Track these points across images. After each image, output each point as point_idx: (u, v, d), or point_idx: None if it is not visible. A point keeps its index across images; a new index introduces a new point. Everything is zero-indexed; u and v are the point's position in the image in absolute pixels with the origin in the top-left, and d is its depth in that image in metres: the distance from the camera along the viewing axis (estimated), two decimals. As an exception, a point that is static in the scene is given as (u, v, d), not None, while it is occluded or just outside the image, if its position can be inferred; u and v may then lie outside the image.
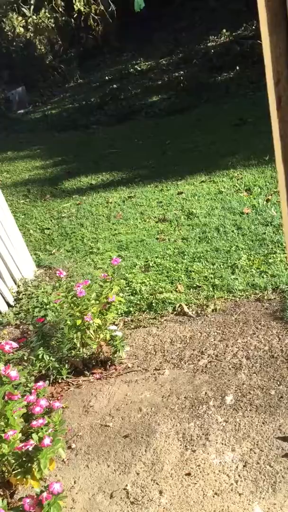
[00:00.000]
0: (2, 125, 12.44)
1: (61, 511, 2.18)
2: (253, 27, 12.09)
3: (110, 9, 14.28)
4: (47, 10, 13.64)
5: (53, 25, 14.26)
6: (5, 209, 4.66)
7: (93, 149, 8.75)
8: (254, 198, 5.18)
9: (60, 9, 13.50)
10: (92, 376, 3.37)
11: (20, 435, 2.44)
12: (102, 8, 13.47)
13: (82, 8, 12.95)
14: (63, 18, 13.92)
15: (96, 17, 13.61)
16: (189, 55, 12.57)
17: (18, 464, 2.36)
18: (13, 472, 2.37)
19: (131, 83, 12.50)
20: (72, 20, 13.94)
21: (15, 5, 13.52)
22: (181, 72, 11.65)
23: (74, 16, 13.46)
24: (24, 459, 2.35)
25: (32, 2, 13.14)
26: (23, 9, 13.49)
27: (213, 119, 8.37)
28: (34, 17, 13.78)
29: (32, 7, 13.43)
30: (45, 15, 13.73)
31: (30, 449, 2.32)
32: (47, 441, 2.29)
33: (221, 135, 7.43)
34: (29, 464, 2.34)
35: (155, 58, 13.81)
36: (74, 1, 13.19)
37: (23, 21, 13.82)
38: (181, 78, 11.20)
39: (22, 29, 13.83)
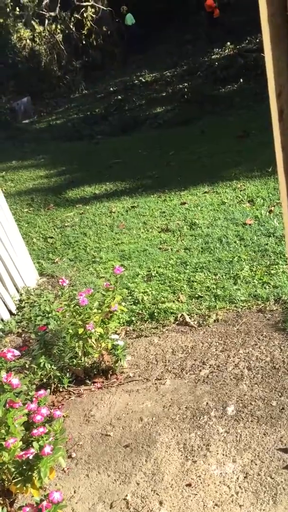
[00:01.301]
0: (7, 134, 12.55)
1: (61, 521, 2.18)
2: (257, 40, 12.22)
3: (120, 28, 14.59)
4: (58, 25, 13.94)
5: (60, 39, 14.53)
6: (9, 217, 4.69)
7: (97, 159, 8.81)
8: (257, 209, 5.20)
9: (72, 26, 13.82)
10: (93, 385, 3.37)
11: (20, 443, 2.43)
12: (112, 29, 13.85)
13: (89, 25, 13.27)
14: (74, 33, 14.24)
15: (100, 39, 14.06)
16: (193, 67, 12.71)
17: (18, 473, 2.35)
18: (13, 481, 2.36)
19: (135, 94, 12.63)
20: (83, 37, 14.27)
21: (33, 17, 13.85)
22: (185, 84, 11.76)
23: (84, 33, 13.79)
24: (24, 467, 2.34)
25: (51, 14, 13.46)
26: (32, 22, 13.78)
27: (216, 130, 8.43)
28: (42, 29, 14.03)
29: (46, 21, 13.74)
30: (56, 30, 14.01)
31: (31, 457, 2.31)
32: (47, 449, 2.29)
33: (224, 147, 7.48)
34: (29, 473, 2.33)
35: (159, 70, 13.96)
36: (84, 21, 13.50)
37: (31, 34, 14.08)
38: (185, 90, 11.30)
39: (29, 41, 14.09)
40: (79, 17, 14.26)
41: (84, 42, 14.98)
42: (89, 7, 14.27)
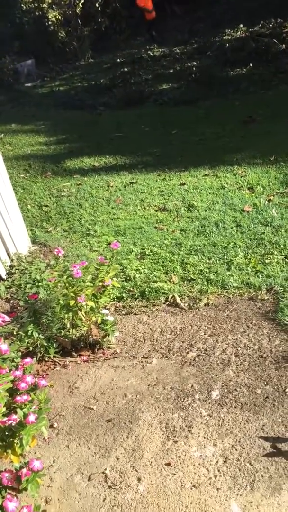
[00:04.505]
0: (8, 96, 12.28)
1: (38, 489, 2.18)
2: (270, 25, 11.98)
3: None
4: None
5: (79, 11, 14.24)
6: (7, 182, 4.60)
7: (99, 130, 8.67)
8: (256, 197, 5.17)
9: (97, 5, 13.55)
10: (79, 358, 3.36)
11: (4, 409, 2.42)
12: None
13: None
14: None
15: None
16: (203, 46, 12.43)
17: (0, 438, 2.35)
18: (-6, 446, 2.35)
19: (142, 68, 12.36)
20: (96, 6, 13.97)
21: None
22: (194, 62, 11.53)
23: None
24: (6, 433, 2.33)
25: None
26: None
27: (221, 113, 8.32)
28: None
29: None
30: (78, 5, 13.69)
31: (14, 424, 2.30)
32: (32, 418, 2.27)
33: (228, 131, 7.39)
34: (11, 439, 2.33)
35: (169, 46, 13.65)
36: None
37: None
38: (194, 68, 11.09)
39: (46, 6, 13.73)
40: None
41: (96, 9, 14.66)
42: None
